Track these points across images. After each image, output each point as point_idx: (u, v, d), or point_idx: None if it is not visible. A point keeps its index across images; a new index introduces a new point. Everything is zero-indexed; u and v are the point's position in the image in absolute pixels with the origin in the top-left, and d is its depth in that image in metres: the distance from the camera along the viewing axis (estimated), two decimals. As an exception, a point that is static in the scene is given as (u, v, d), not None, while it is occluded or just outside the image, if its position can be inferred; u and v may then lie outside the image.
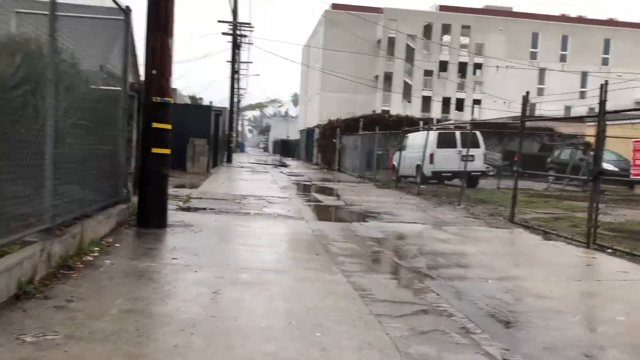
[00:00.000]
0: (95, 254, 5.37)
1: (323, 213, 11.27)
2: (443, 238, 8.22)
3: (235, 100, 72.82)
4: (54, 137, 4.85)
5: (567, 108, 52.15)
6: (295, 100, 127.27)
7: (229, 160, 31.52)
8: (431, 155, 18.58)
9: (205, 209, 9.88)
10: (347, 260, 6.14)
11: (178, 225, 7.62)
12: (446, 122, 23.07)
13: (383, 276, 5.59)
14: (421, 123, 25.86)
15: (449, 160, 18.45)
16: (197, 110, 20.78)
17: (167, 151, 7.31)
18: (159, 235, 6.82)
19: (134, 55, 15.59)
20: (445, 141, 18.74)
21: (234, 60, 29.32)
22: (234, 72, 29.38)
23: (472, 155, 18.88)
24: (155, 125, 7.18)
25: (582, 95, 55.03)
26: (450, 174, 18.84)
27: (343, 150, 28.49)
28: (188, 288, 4.48)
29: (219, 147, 26.22)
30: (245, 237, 7.26)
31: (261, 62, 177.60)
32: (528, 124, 31.11)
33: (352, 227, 8.85)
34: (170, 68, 7.33)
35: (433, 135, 18.86)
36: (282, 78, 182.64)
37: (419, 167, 19.42)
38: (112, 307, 3.81)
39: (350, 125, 30.18)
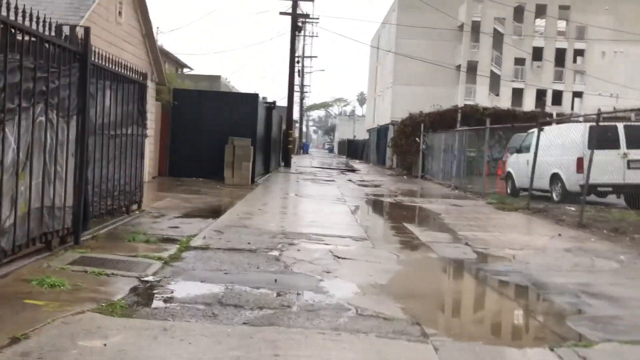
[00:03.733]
0: None
1: (454, 296, 5.42)
2: None
3: (298, 97, 68.13)
4: None
5: (688, 100, 43.32)
6: (361, 100, 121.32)
7: (287, 164, 26.29)
8: (579, 160, 12.37)
9: (199, 283, 4.44)
10: None
11: None
12: (604, 113, 15.59)
13: None
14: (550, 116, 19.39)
15: (608, 167, 12.17)
16: (240, 101, 15.51)
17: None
18: None
19: None
20: (602, 139, 12.34)
21: (294, 43, 24.03)
22: (293, 58, 24.06)
23: (646, 161, 12.55)
24: None
25: None
26: (610, 189, 12.51)
27: (429, 151, 22.53)
28: None
29: (273, 148, 20.97)
30: None
31: (326, 57, 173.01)
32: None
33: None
34: None
35: (581, 130, 12.60)
36: (348, 76, 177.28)
37: (555, 178, 13.26)
38: None
39: (435, 121, 24.19)
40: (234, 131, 14.75)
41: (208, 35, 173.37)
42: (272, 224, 8.08)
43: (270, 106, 19.46)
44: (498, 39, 44.15)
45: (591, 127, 12.51)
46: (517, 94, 44.18)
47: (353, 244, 6.99)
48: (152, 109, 13.87)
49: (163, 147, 15.08)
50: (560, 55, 44.69)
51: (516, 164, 15.40)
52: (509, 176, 15.97)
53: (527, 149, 14.91)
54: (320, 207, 10.96)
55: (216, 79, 21.20)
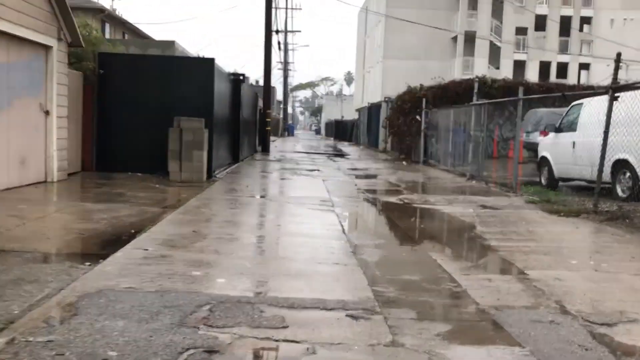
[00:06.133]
0: None
1: None
2: None
3: (282, 75, 63.83)
4: None
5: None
6: (348, 80, 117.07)
7: (265, 149, 22.55)
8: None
9: None
10: None
11: None
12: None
13: None
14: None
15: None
16: (189, 69, 11.60)
17: None
18: None
19: None
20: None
21: (270, 4, 20.06)
22: (270, 20, 20.02)
23: None
24: None
25: None
26: None
27: (432, 132, 18.92)
28: None
29: (244, 131, 17.23)
30: None
31: (312, 35, 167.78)
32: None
33: None
34: None
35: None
36: (334, 55, 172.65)
37: (621, 166, 9.67)
38: None
39: (437, 96, 20.61)
40: (184, 109, 11.02)
41: (177, 5, 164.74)
42: (199, 273, 4.40)
43: (239, 79, 15.64)
44: (498, 6, 40.36)
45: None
46: (519, 67, 40.60)
47: (350, 329, 3.35)
48: (64, 79, 10.04)
49: (87, 132, 11.27)
50: (565, 23, 41.06)
51: (555, 147, 11.85)
52: (543, 162, 12.43)
53: (572, 127, 11.36)
54: (295, 223, 7.26)
55: (170, 44, 17.23)
